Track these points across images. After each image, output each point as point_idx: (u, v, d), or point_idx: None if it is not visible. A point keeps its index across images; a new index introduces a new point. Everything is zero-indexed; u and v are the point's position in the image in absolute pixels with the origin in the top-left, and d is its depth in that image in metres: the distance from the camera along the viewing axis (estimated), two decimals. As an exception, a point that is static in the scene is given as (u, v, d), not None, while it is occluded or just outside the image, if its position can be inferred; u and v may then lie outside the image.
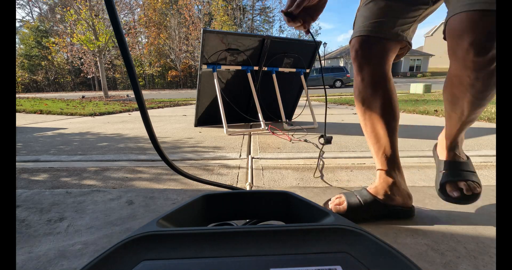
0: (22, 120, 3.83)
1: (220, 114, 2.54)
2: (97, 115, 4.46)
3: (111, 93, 16.26)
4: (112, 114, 4.73)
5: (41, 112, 4.73)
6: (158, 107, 6.11)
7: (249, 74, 2.71)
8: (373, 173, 1.31)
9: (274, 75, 2.85)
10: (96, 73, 19.57)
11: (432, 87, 9.95)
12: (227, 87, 2.87)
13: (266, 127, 2.56)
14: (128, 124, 3.21)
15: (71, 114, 4.47)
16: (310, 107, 2.92)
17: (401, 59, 1.19)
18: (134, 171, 1.42)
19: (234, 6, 30.67)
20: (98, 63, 11.21)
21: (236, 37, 2.53)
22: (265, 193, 0.45)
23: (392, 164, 0.79)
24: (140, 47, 33.83)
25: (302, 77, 3.01)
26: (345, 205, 0.81)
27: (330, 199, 0.88)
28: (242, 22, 32.32)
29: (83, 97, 11.10)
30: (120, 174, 1.37)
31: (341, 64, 30.33)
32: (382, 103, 0.78)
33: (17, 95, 14.51)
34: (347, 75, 18.95)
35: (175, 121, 3.48)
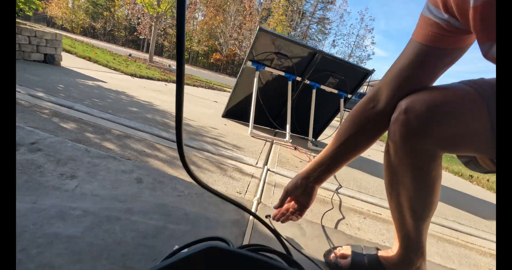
0: (71, 62, 4.04)
1: (250, 113, 2.52)
2: (137, 77, 4.61)
3: (155, 58, 16.81)
4: (150, 79, 4.87)
5: (89, 59, 4.97)
6: (194, 85, 6.22)
7: (289, 83, 2.67)
8: (387, 228, 1.23)
9: (314, 91, 2.78)
10: (148, 36, 20.29)
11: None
12: (265, 89, 2.84)
13: (290, 140, 2.51)
14: (162, 95, 3.28)
15: (114, 69, 4.65)
16: (340, 133, 2.82)
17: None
18: (153, 147, 1.43)
19: (295, 8, 30.51)
20: (153, 27, 11.59)
21: (289, 43, 2.48)
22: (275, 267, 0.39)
23: (415, 249, 0.68)
24: (194, 23, 34.70)
25: (342, 101, 2.91)
26: (349, 261, 0.75)
27: (335, 247, 0.83)
28: (297, 26, 32.12)
29: (130, 55, 11.54)
30: (139, 146, 1.39)
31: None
32: (419, 170, 0.62)
33: (74, 37, 15.35)
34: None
35: (204, 106, 3.51)
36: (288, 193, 0.75)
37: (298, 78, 2.75)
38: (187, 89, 5.03)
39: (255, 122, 3.00)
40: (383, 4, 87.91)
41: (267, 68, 2.60)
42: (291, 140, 2.51)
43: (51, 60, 3.29)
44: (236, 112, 3.01)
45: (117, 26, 38.29)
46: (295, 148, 2.40)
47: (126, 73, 4.58)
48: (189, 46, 34.35)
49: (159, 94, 3.33)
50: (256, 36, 2.37)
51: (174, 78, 5.48)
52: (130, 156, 1.25)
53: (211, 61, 36.79)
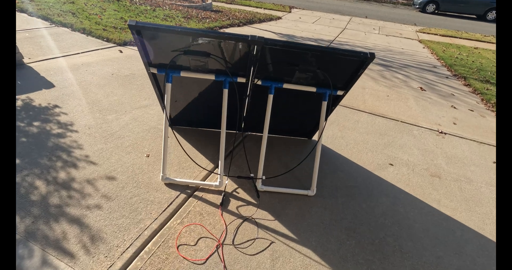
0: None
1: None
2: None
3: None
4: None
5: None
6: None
7: (225, 91, 1.69)
8: None
9: (271, 96, 1.73)
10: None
11: None
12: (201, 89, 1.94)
13: (225, 182, 1.76)
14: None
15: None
16: (317, 152, 1.83)
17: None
18: None
19: None
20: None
21: (194, 36, 1.41)
22: None
23: None
24: None
25: (324, 103, 1.77)
26: None
27: None
28: None
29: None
30: None
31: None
32: None
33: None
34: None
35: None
36: None
37: (241, 80, 1.71)
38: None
39: (212, 125, 2.25)
40: None
41: (184, 74, 1.67)
42: (226, 182, 1.76)
43: None
44: (185, 116, 2.28)
45: None
46: (220, 206, 1.67)
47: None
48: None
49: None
50: (134, 37, 1.41)
51: (128, 37, 4.42)
52: None
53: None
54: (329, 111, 1.89)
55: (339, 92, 1.77)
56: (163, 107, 1.67)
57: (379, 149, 2.46)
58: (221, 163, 1.74)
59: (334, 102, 1.87)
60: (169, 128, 2.31)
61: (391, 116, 3.15)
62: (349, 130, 2.73)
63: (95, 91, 2.75)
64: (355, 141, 2.54)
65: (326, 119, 1.80)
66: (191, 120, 2.30)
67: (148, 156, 1.96)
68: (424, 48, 7.97)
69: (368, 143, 2.54)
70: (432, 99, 3.88)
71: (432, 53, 7.23)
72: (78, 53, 3.68)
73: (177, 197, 1.65)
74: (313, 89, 1.73)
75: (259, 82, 1.70)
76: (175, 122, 2.33)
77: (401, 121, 3.06)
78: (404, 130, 2.86)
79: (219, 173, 1.73)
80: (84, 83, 2.88)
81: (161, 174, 1.72)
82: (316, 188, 1.84)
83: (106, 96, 2.68)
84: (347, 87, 1.73)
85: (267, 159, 2.11)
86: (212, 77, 1.67)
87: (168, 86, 1.66)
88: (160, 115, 2.46)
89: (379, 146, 2.51)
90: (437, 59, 6.54)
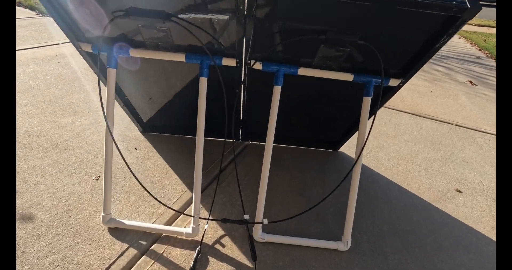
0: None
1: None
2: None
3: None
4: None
5: None
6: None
7: (203, 80, 1.03)
8: None
9: (277, 88, 1.05)
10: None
11: None
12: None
13: (204, 228, 1.10)
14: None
15: None
16: (354, 179, 1.13)
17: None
18: None
19: None
20: None
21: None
22: None
23: None
24: None
25: (367, 100, 1.06)
26: None
27: None
28: None
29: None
30: None
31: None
32: None
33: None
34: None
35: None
36: None
37: (230, 61, 1.04)
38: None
39: (190, 132, 1.62)
40: None
41: (137, 53, 1.02)
42: (206, 227, 1.10)
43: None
44: (163, 120, 1.64)
45: None
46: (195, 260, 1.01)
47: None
48: None
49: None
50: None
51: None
52: None
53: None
54: (373, 112, 1.19)
55: (393, 82, 1.06)
56: (104, 108, 1.02)
57: (435, 166, 1.72)
58: (195, 197, 1.08)
59: (382, 98, 1.16)
60: (141, 136, 1.68)
61: (441, 117, 2.39)
62: (389, 137, 2.00)
63: (59, 86, 2.17)
64: (399, 154, 1.81)
65: (371, 128, 1.09)
66: (171, 125, 1.65)
67: (97, 179, 1.33)
68: (460, 38, 6.99)
69: (418, 156, 1.81)
70: (488, 95, 3.06)
71: (471, 43, 6.27)
72: (58, 44, 3.14)
73: (122, 254, 1.01)
74: (348, 77, 1.04)
75: (259, 66, 1.03)
76: (149, 127, 1.70)
77: (456, 125, 2.29)
78: (463, 137, 2.10)
79: (192, 214, 1.07)
80: (50, 77, 2.30)
81: (103, 214, 1.08)
82: (351, 238, 1.14)
83: (71, 93, 2.09)
84: (407, 72, 1.02)
85: (272, 187, 1.43)
86: (180, 58, 1.01)
87: (111, 73, 1.02)
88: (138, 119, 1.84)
89: (435, 162, 1.77)
90: (479, 49, 5.61)
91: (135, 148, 1.57)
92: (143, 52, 1.01)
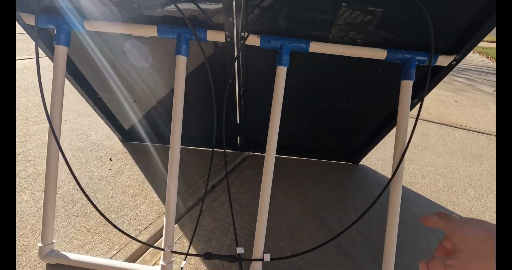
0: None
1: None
2: None
3: None
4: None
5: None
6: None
7: (180, 59, 0.76)
8: None
9: (282, 70, 0.77)
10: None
11: None
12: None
13: None
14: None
15: None
16: (392, 204, 0.80)
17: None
18: None
19: None
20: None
21: None
22: None
23: None
24: None
25: (408, 85, 0.77)
26: None
27: None
28: None
29: None
30: None
31: None
32: None
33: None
34: None
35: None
36: None
37: (217, 35, 0.77)
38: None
39: (191, 141, 1.34)
40: None
41: (93, 26, 0.77)
42: (183, 265, 0.78)
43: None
44: (147, 126, 1.37)
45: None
46: None
47: None
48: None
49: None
50: None
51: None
52: None
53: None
54: (416, 101, 0.88)
55: (443, 60, 0.76)
56: (45, 104, 0.76)
57: (484, 184, 1.37)
58: (167, 223, 0.77)
59: (421, 85, 0.86)
60: (120, 145, 1.41)
61: (474, 127, 2.05)
62: (418, 148, 1.67)
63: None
64: (434, 168, 1.47)
65: (414, 125, 0.79)
66: (158, 133, 1.38)
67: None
68: (474, 53, 6.77)
69: (458, 171, 1.46)
70: (522, 105, 2.71)
71: (487, 57, 6.02)
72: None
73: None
74: (380, 54, 0.75)
75: (256, 41, 0.76)
76: (131, 135, 1.43)
77: (494, 135, 1.94)
78: (509, 150, 1.74)
79: (163, 246, 0.75)
80: (35, 84, 2.12)
81: (40, 245, 0.78)
82: (392, 283, 0.79)
83: (53, 100, 1.87)
84: (461, 46, 0.73)
85: (278, 209, 1.11)
86: (152, 31, 0.76)
87: (60, 51, 0.77)
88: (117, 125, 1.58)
89: (482, 178, 1.42)
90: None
91: (110, 159, 1.29)
92: (101, 24, 0.76)
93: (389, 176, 1.40)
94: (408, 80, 0.76)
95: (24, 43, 3.36)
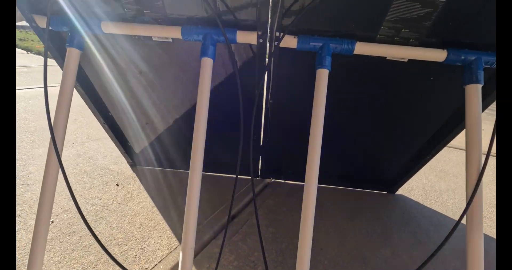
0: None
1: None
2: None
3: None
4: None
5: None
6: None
7: (206, 61, 0.66)
8: None
9: (323, 73, 0.66)
10: None
11: None
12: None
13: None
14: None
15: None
16: (470, 251, 0.62)
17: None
18: None
19: None
20: None
21: None
22: None
23: None
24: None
25: (476, 89, 0.64)
26: None
27: None
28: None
29: None
30: None
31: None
32: None
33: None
34: None
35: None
36: None
37: (249, 37, 0.68)
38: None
39: (210, 167, 1.21)
40: None
41: (112, 29, 0.70)
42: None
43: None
44: (159, 150, 1.25)
45: None
46: None
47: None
48: None
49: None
50: None
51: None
52: None
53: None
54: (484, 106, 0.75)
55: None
56: (49, 118, 0.67)
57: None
58: (183, 261, 0.60)
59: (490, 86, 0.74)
60: (129, 169, 1.28)
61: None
62: (457, 177, 1.49)
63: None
64: (484, 200, 1.27)
65: (492, 140, 0.65)
66: (170, 157, 1.26)
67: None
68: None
69: (515, 202, 1.25)
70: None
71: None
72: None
73: None
74: (439, 54, 0.65)
75: (292, 42, 0.67)
76: (141, 159, 1.31)
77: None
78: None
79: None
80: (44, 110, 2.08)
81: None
82: None
83: (64, 124, 1.80)
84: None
85: (312, 246, 0.93)
86: (176, 33, 0.68)
87: (73, 54, 0.69)
88: (127, 147, 1.47)
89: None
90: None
91: (117, 185, 1.15)
92: (120, 26, 0.69)
93: (434, 207, 1.20)
94: (477, 84, 0.64)
95: (40, 74, 3.46)
